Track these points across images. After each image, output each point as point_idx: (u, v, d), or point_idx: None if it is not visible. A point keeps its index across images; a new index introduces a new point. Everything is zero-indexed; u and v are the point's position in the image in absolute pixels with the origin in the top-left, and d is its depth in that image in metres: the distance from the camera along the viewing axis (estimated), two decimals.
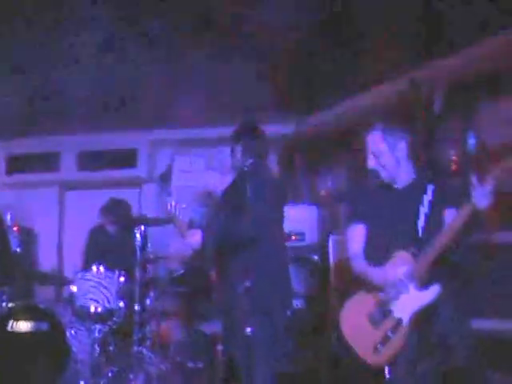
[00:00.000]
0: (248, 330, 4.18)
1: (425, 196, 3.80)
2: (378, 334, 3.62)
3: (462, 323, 3.72)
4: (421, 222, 3.76)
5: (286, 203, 4.80)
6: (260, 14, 5.15)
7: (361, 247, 3.94)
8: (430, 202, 3.78)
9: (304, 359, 5.61)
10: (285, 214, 4.67)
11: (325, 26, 5.30)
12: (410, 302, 3.60)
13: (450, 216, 3.66)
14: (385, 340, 3.59)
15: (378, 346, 3.59)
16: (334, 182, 7.16)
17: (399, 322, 3.59)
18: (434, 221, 3.74)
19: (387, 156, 3.85)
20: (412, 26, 5.20)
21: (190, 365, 6.27)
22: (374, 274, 3.74)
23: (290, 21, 5.29)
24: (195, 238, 4.62)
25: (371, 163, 3.93)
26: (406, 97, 5.85)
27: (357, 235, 4.00)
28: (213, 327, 6.07)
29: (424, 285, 3.60)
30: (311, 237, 6.46)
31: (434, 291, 3.56)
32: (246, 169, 4.63)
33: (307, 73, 6.27)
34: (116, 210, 7.02)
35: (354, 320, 3.76)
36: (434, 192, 3.80)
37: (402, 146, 3.86)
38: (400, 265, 3.65)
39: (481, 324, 4.24)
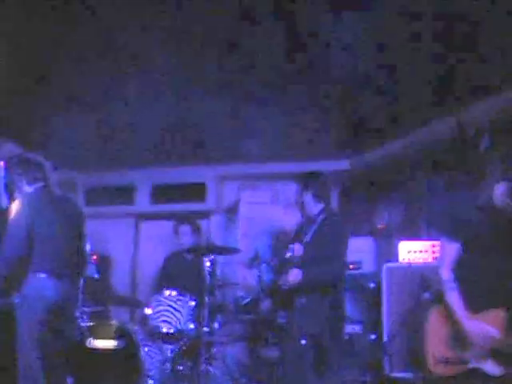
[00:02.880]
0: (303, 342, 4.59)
1: None
2: (450, 353, 3.83)
3: None
4: None
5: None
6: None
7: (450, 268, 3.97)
8: None
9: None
10: None
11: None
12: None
13: None
14: (454, 360, 3.81)
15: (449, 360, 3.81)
16: (390, 215, 7.34)
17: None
18: None
19: None
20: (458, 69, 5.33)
21: None
22: (465, 321, 3.80)
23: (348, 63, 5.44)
24: (297, 276, 5.04)
25: None
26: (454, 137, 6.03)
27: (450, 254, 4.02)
28: (274, 352, 6.33)
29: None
30: (368, 266, 6.64)
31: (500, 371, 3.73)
32: (316, 215, 5.23)
33: (365, 110, 6.37)
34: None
35: (436, 328, 3.94)
36: None
37: None
38: (491, 325, 3.77)
39: None
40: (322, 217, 5.24)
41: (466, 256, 3.94)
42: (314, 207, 5.33)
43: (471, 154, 5.86)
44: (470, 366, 3.76)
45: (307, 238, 5.22)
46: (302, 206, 5.43)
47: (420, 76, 5.47)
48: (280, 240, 7.61)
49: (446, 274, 3.98)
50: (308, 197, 5.33)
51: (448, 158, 6.29)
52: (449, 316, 3.88)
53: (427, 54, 5.12)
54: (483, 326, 3.76)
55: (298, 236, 5.49)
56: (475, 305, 3.82)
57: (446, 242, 4.04)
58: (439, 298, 3.97)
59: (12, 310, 4.84)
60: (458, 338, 3.82)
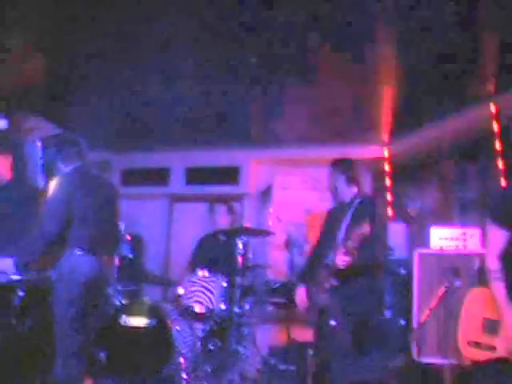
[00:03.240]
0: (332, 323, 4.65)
1: None
2: (483, 338, 3.85)
3: None
4: None
5: None
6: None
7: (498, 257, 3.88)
8: None
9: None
10: None
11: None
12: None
13: None
14: (486, 346, 3.82)
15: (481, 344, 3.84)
16: (423, 202, 7.29)
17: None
18: None
19: None
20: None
21: (282, 367, 6.51)
22: (507, 312, 3.76)
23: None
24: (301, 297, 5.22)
25: None
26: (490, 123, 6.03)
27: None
28: (305, 334, 6.37)
29: None
30: (399, 252, 6.61)
31: None
32: (351, 199, 5.23)
33: (401, 96, 6.44)
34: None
35: (471, 313, 3.97)
36: None
37: None
38: None
39: None
40: (357, 200, 5.25)
41: None
42: (348, 191, 5.34)
43: (507, 141, 5.89)
44: (499, 354, 3.78)
45: (345, 222, 5.20)
46: (335, 190, 5.43)
47: (459, 61, 5.46)
48: (311, 225, 7.66)
49: (493, 264, 3.89)
50: (341, 181, 5.35)
51: (483, 145, 6.30)
52: (487, 302, 3.89)
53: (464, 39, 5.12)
54: None
55: (330, 220, 5.51)
56: None
57: (494, 230, 3.93)
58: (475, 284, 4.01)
59: (49, 285, 4.93)
60: (493, 325, 3.82)
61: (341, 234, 5.12)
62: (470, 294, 4.08)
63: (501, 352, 3.77)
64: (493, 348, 3.80)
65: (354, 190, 5.32)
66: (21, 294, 5.00)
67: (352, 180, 5.32)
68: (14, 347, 4.99)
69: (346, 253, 4.73)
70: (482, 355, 3.85)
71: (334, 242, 5.12)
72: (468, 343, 3.91)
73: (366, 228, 4.58)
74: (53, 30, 5.30)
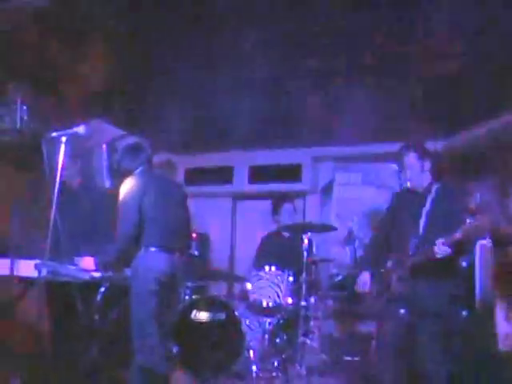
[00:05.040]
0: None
1: None
2: None
3: None
4: None
5: None
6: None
7: None
8: None
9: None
10: None
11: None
12: None
13: None
14: None
15: None
16: (482, 196, 7.26)
17: None
18: None
19: None
20: None
21: (347, 358, 6.72)
22: None
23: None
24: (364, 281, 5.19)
25: None
26: None
27: None
28: (368, 327, 6.48)
29: None
30: None
31: None
32: (427, 186, 5.08)
33: (459, 91, 6.42)
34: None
35: None
36: None
37: None
38: None
39: None
40: (436, 186, 5.08)
41: None
42: (422, 178, 5.10)
43: None
44: None
45: (426, 209, 5.01)
46: (406, 175, 5.14)
47: None
48: (372, 219, 7.73)
49: None
50: (416, 167, 5.09)
51: None
52: None
53: None
54: None
55: (400, 207, 5.32)
56: None
57: None
58: None
59: (125, 283, 5.12)
60: None
61: (422, 222, 4.96)
62: None
63: None
64: None
65: (429, 176, 5.13)
66: (102, 289, 5.25)
67: (427, 166, 5.11)
68: (97, 342, 5.24)
69: (448, 243, 4.54)
70: None
71: (412, 229, 4.98)
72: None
73: (482, 220, 4.43)
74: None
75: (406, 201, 5.22)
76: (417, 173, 5.06)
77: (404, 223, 5.10)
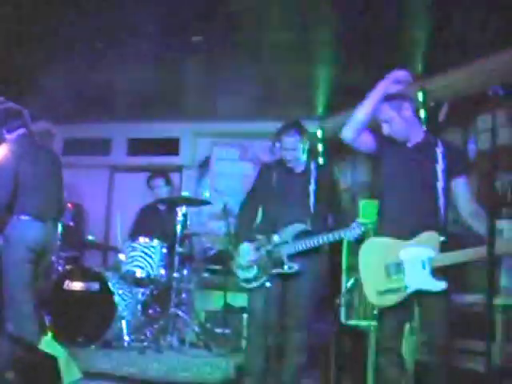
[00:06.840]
0: None
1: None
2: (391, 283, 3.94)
3: None
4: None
5: None
6: None
7: None
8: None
9: None
10: None
11: None
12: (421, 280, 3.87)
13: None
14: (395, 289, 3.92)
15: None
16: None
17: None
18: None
19: None
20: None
21: (218, 330, 6.79)
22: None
23: None
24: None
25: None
26: None
27: None
28: (240, 300, 6.57)
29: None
30: None
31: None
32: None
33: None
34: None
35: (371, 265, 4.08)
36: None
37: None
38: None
39: None
40: (314, 165, 5.11)
41: None
42: (301, 158, 5.06)
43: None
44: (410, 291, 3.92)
45: (312, 188, 5.02)
46: (285, 155, 5.04)
47: None
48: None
49: None
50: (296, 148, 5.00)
51: None
52: (382, 250, 4.04)
53: None
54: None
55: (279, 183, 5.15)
56: None
57: None
58: None
59: None
60: (397, 267, 3.95)
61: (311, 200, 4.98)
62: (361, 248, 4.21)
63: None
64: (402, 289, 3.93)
65: (306, 156, 5.11)
66: None
67: (306, 146, 5.08)
68: None
69: None
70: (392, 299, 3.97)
71: (292, 208, 4.97)
72: (378, 293, 4.01)
73: None
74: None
75: (284, 179, 5.10)
76: (296, 152, 4.98)
77: (280, 200, 5.01)
